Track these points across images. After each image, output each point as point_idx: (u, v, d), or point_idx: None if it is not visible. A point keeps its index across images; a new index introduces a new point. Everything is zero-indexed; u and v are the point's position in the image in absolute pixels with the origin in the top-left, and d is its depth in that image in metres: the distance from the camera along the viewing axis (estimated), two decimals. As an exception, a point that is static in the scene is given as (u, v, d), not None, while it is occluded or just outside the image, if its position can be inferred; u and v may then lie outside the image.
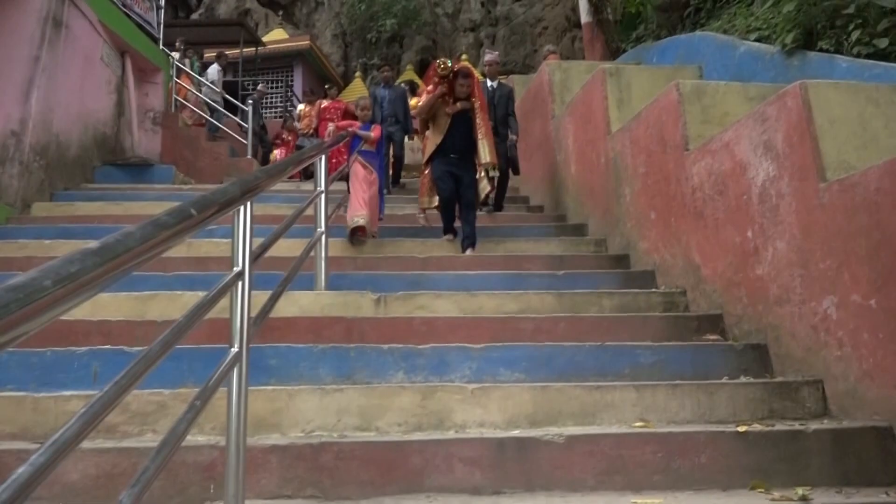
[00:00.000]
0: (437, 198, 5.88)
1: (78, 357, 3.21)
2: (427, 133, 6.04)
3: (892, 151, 3.04)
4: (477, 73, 6.56)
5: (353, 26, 21.47)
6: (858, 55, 4.62)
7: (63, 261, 1.04)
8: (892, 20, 4.53)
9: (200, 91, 11.72)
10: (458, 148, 5.72)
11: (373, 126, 6.01)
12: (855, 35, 4.70)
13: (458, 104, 5.76)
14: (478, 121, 5.79)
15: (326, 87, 12.21)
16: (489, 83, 7.14)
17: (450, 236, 5.84)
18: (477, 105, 5.82)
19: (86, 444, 2.16)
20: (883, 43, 4.51)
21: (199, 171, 9.74)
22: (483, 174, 5.77)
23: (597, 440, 2.63)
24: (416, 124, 8.28)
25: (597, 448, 2.60)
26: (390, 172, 8.50)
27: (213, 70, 12.67)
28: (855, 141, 3.26)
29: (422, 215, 6.30)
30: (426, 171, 6.00)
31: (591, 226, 6.26)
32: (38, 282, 0.95)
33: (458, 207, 5.77)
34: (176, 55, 11.13)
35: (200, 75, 12.10)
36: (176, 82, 10.91)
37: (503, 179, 7.15)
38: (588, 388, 3.03)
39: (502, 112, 7.05)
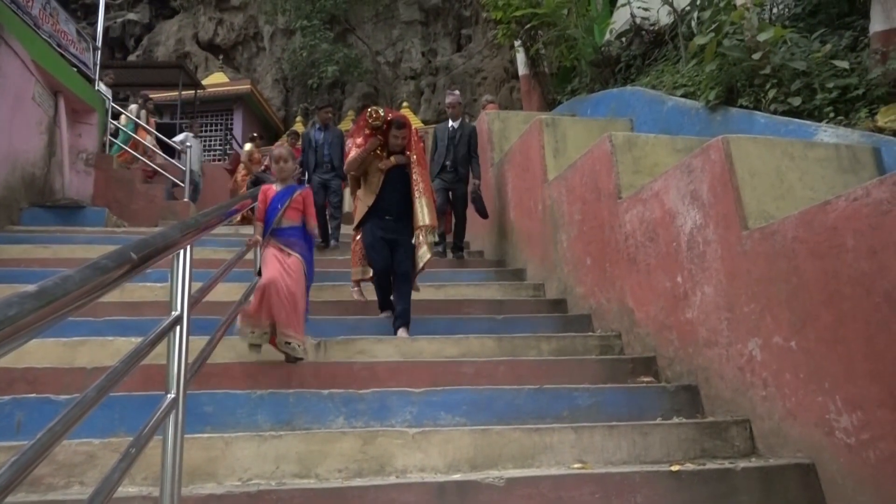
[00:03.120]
0: (371, 269, 5.05)
1: (0, 406, 3.06)
2: (358, 193, 5.17)
3: (806, 202, 3.25)
4: (416, 122, 6.38)
5: (295, 72, 21.53)
6: (775, 112, 4.93)
7: (0, 304, 1.03)
8: (803, 80, 4.88)
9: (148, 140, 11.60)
10: (393, 209, 4.90)
11: (297, 191, 4.26)
12: (771, 93, 5.03)
13: (393, 158, 4.98)
14: (415, 176, 4.96)
15: (287, 133, 11.78)
16: (451, 124, 7.19)
17: (388, 313, 4.96)
18: (414, 158, 5.01)
19: (8, 499, 2.05)
20: (796, 101, 4.85)
21: (133, 213, 9.50)
22: (422, 239, 4.85)
23: (536, 482, 2.66)
24: None
25: (536, 490, 2.63)
26: (326, 226, 7.39)
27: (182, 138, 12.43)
28: (773, 192, 3.47)
29: (355, 289, 5.45)
30: (357, 238, 5.17)
31: (529, 271, 6.38)
32: (-26, 326, 0.94)
33: (392, 279, 4.91)
34: (133, 107, 11.05)
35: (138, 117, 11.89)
36: (133, 137, 11.01)
37: (461, 222, 7.16)
38: (527, 430, 3.07)
39: (463, 151, 7.00)
